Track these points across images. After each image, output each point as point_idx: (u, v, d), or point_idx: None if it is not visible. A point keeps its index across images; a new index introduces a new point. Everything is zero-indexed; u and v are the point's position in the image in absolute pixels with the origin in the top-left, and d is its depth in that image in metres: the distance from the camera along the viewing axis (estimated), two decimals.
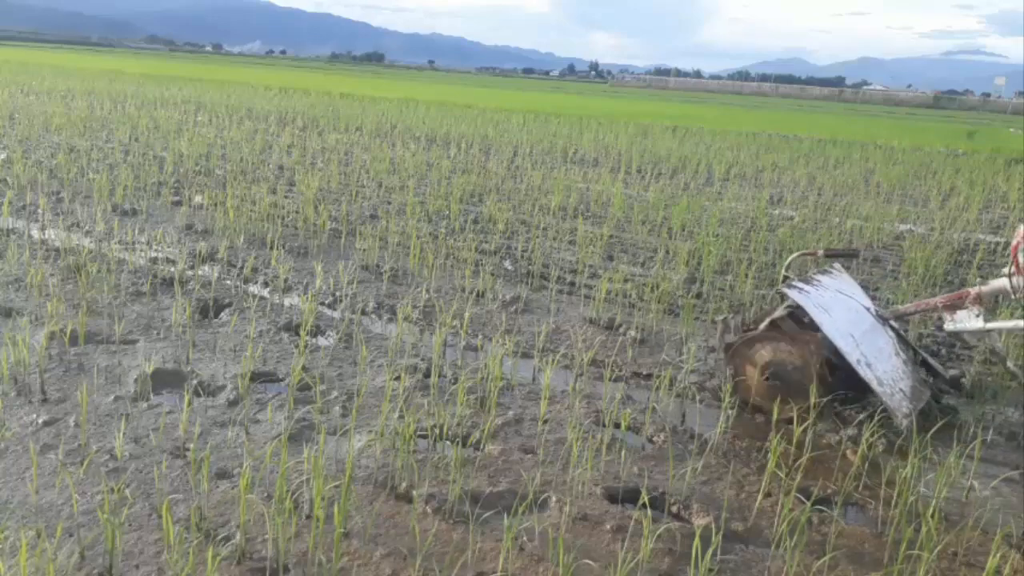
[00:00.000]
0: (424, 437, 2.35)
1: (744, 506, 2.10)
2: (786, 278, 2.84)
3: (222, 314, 3.35)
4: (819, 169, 10.07)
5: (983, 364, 3.25)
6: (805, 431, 2.39)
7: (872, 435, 2.47)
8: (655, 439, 2.47)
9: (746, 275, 4.10)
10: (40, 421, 2.29)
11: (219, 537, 1.79)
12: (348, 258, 4.31)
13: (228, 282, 3.73)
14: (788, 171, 9.74)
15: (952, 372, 2.98)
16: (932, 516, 1.90)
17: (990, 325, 2.72)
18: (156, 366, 2.68)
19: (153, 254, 4.14)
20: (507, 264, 4.43)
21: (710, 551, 1.71)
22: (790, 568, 1.79)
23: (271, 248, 4.31)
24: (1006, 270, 2.60)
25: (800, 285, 2.73)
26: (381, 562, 1.77)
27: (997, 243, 5.89)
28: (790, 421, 2.50)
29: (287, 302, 3.51)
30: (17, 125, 9.36)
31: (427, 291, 3.74)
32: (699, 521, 2.01)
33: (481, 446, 2.32)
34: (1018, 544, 1.98)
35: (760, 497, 2.11)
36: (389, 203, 5.99)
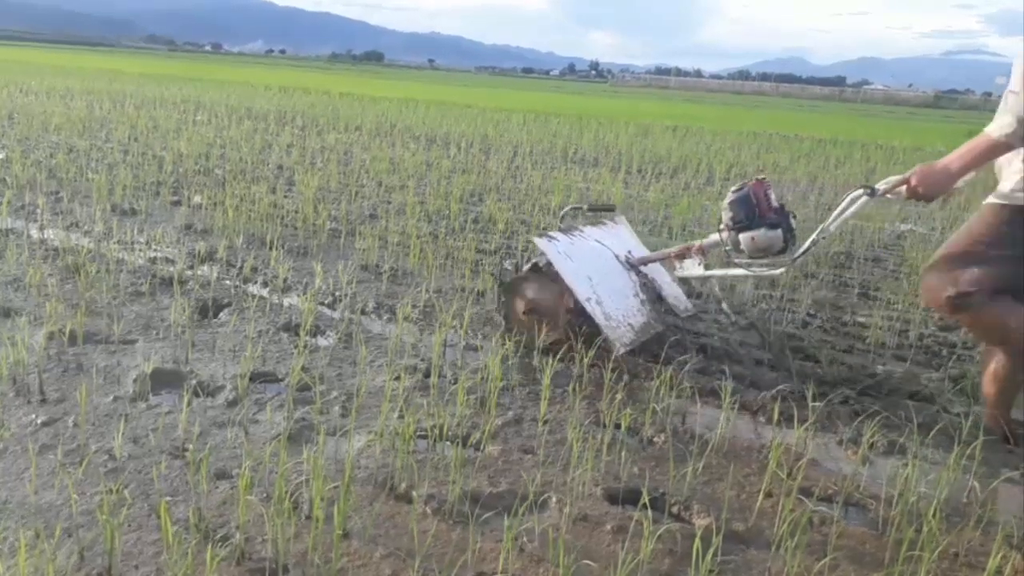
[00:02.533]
0: (424, 437, 2.35)
1: (745, 506, 2.10)
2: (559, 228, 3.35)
3: (221, 314, 3.34)
4: (820, 169, 10.07)
5: (983, 364, 3.24)
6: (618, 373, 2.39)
7: (872, 435, 2.47)
8: (655, 439, 2.46)
9: None
10: (39, 421, 2.28)
11: (218, 537, 1.78)
12: (347, 258, 4.31)
13: (227, 282, 3.73)
14: (789, 171, 9.74)
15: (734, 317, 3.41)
16: (933, 516, 1.89)
17: (708, 272, 3.23)
18: (155, 366, 2.67)
19: (152, 254, 4.14)
20: (507, 264, 4.43)
21: (711, 552, 1.71)
22: (791, 568, 1.79)
23: (270, 248, 4.30)
24: (721, 225, 3.02)
25: (554, 235, 3.19)
26: (381, 562, 1.77)
27: None
28: (549, 350, 2.96)
29: (286, 302, 3.51)
30: (16, 125, 9.36)
31: (427, 291, 3.74)
32: (700, 522, 2.01)
33: (481, 446, 2.32)
34: (1019, 544, 1.98)
35: (761, 497, 2.11)
36: (389, 203, 5.99)
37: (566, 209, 3.62)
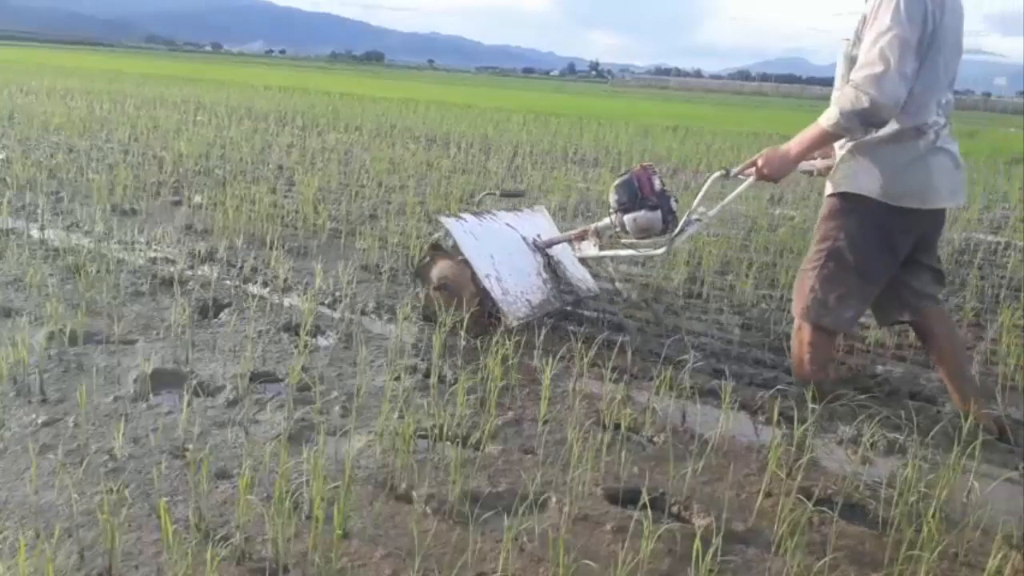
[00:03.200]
0: (424, 437, 2.35)
1: (745, 506, 2.10)
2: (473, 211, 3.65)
3: (221, 314, 3.34)
4: None
5: (983, 364, 3.24)
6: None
7: (872, 435, 2.47)
8: (656, 439, 2.46)
9: (747, 275, 4.10)
10: (39, 421, 2.28)
11: (218, 537, 1.78)
12: (348, 258, 4.31)
13: (227, 282, 3.73)
14: None
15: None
16: (932, 516, 1.89)
17: (602, 253, 3.46)
18: (155, 366, 2.67)
19: (152, 254, 4.14)
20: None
21: (711, 552, 1.71)
22: (791, 568, 1.79)
23: (271, 248, 4.30)
24: (611, 208, 3.27)
25: (464, 216, 3.45)
26: (381, 562, 1.77)
27: (998, 243, 5.89)
28: (455, 327, 3.10)
29: (287, 302, 3.51)
30: (16, 125, 9.37)
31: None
32: (700, 522, 2.01)
33: (481, 446, 2.32)
34: (1019, 544, 1.98)
35: (760, 497, 2.11)
36: (389, 203, 5.99)
37: (481, 195, 3.98)
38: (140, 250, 4.21)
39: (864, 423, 2.58)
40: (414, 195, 6.10)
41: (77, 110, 11.40)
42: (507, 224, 3.56)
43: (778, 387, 2.80)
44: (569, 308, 3.60)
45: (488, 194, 4.02)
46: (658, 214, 3.14)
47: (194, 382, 2.60)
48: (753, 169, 2.79)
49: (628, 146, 11.42)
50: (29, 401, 2.42)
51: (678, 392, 2.73)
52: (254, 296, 3.53)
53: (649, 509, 1.84)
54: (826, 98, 2.68)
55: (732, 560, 1.85)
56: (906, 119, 2.47)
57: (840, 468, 2.36)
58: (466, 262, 3.23)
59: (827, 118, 2.51)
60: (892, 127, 2.49)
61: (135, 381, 2.58)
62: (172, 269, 3.79)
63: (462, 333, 3.09)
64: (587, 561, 1.79)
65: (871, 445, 2.46)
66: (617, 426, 2.44)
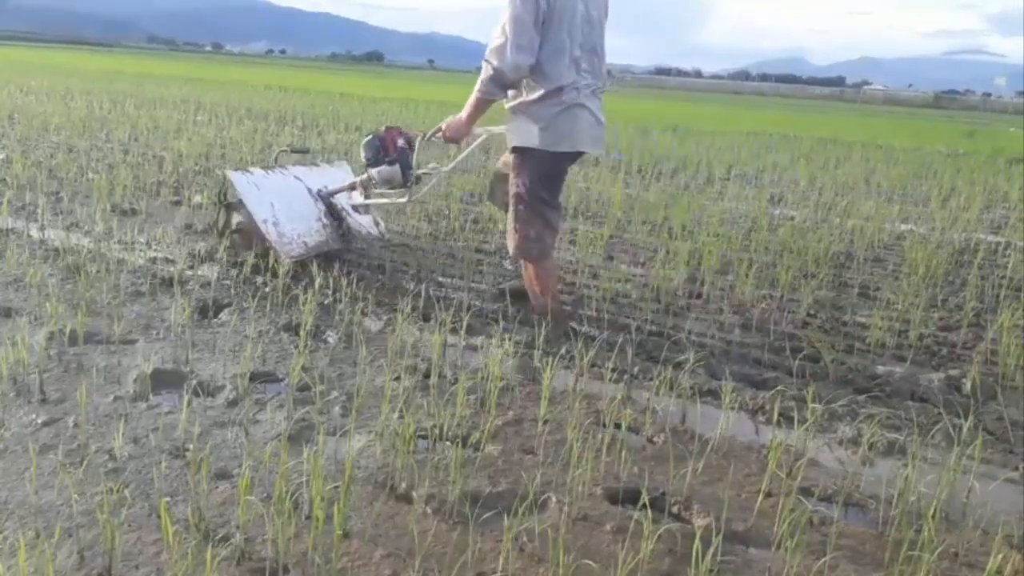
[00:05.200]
0: (424, 437, 2.35)
1: (745, 506, 2.09)
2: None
3: (221, 314, 3.34)
4: (820, 169, 10.07)
5: (983, 364, 3.24)
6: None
7: (872, 435, 2.47)
8: (656, 439, 2.46)
9: (747, 275, 4.10)
10: (39, 421, 2.28)
11: (218, 537, 1.78)
12: (344, 258, 4.30)
13: (228, 282, 3.73)
14: (789, 171, 9.74)
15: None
16: (932, 516, 1.89)
17: (364, 201, 3.99)
18: (155, 366, 2.67)
19: (152, 254, 4.14)
20: (507, 264, 4.43)
21: (711, 551, 1.71)
22: (791, 568, 1.79)
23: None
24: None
25: (251, 170, 3.93)
26: (381, 563, 1.77)
27: (998, 243, 5.89)
28: (258, 268, 3.68)
29: (286, 302, 3.50)
30: (16, 125, 9.36)
31: (428, 290, 3.74)
32: (700, 521, 2.01)
33: (481, 446, 2.32)
34: (1019, 544, 1.98)
35: (761, 497, 2.11)
36: None
37: (278, 151, 4.48)
38: (140, 250, 4.21)
39: (864, 423, 2.58)
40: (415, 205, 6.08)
41: (77, 110, 11.40)
42: (295, 177, 4.08)
43: (778, 387, 2.81)
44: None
45: (282, 151, 4.54)
46: (397, 168, 3.67)
47: (194, 382, 2.60)
48: (441, 134, 3.40)
49: (628, 146, 11.41)
50: (29, 401, 2.42)
51: (678, 392, 2.73)
52: (254, 296, 3.53)
53: (649, 509, 1.84)
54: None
55: (732, 560, 1.85)
56: (546, 83, 3.07)
57: (840, 468, 2.36)
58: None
59: (476, 88, 3.15)
60: (539, 91, 3.09)
61: (135, 381, 2.58)
62: (172, 269, 3.79)
63: (461, 333, 3.09)
64: (587, 561, 1.79)
65: (871, 445, 2.46)
66: (617, 426, 2.44)
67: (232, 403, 2.49)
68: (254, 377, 2.68)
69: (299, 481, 2.01)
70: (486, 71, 3.08)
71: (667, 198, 6.62)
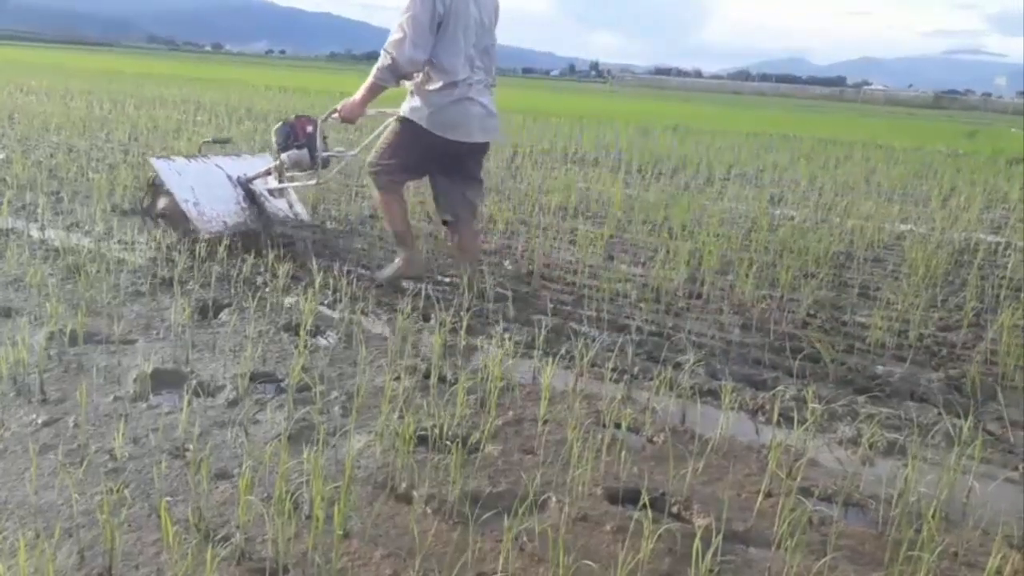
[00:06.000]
0: (424, 437, 2.35)
1: (745, 506, 2.10)
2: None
3: (221, 314, 3.34)
4: (820, 169, 10.07)
5: (983, 364, 3.25)
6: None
7: (872, 435, 2.47)
8: (655, 439, 2.46)
9: (747, 275, 4.10)
10: (39, 421, 2.29)
11: (218, 537, 1.79)
12: (344, 259, 4.31)
13: (227, 282, 3.72)
14: (789, 171, 9.74)
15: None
16: (932, 516, 1.89)
17: (279, 185, 4.38)
18: (155, 366, 2.67)
19: (152, 254, 4.14)
20: (507, 263, 4.43)
21: (711, 551, 1.71)
22: (791, 568, 1.79)
23: (272, 248, 4.30)
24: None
25: (174, 158, 4.39)
26: (381, 563, 1.77)
27: (998, 243, 5.89)
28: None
29: (287, 302, 3.51)
30: (16, 125, 9.36)
31: (428, 290, 3.74)
32: (700, 521, 2.01)
33: (481, 446, 2.32)
34: (1019, 544, 1.98)
35: (761, 497, 2.11)
36: None
37: (203, 142, 5.05)
38: (140, 250, 4.21)
39: (864, 423, 2.58)
40: (413, 195, 6.09)
41: (77, 110, 11.40)
42: (216, 165, 4.45)
43: (778, 387, 2.81)
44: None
45: (205, 142, 5.06)
46: (305, 152, 4.00)
47: (194, 382, 2.60)
48: (336, 115, 3.83)
49: (628, 146, 11.41)
50: (29, 401, 2.42)
51: (678, 392, 2.73)
52: (254, 296, 3.53)
53: (649, 509, 1.84)
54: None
55: (732, 560, 1.85)
56: (444, 76, 3.49)
57: (840, 468, 2.36)
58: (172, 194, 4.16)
59: (371, 74, 3.59)
60: (437, 83, 3.50)
61: (135, 381, 2.58)
62: (172, 269, 3.78)
63: (461, 333, 3.09)
64: (587, 561, 1.79)
65: (871, 445, 2.46)
66: (617, 426, 2.44)
67: (232, 403, 2.49)
68: (254, 377, 2.68)
69: (299, 481, 2.01)
70: (384, 60, 3.49)
71: (667, 198, 6.62)
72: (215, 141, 5.43)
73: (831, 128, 20.22)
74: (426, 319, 3.41)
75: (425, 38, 3.41)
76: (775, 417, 2.61)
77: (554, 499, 2.06)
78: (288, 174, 4.24)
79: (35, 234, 4.39)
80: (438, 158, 3.73)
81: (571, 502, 2.03)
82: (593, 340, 3.16)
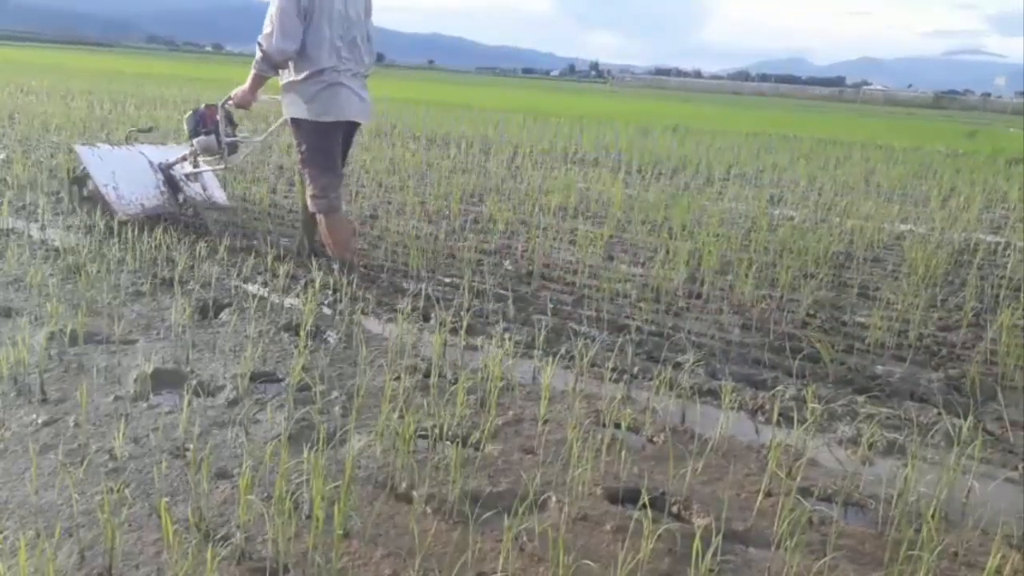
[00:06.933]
0: (424, 437, 2.35)
1: (745, 506, 2.10)
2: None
3: (222, 314, 3.34)
4: (819, 169, 10.07)
5: (983, 364, 3.25)
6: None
7: (872, 435, 2.47)
8: (655, 439, 2.46)
9: (746, 275, 4.10)
10: (40, 421, 2.29)
11: (219, 537, 1.79)
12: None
13: (227, 282, 3.73)
14: (788, 171, 9.74)
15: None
16: (932, 516, 1.89)
17: (193, 170, 4.68)
18: (156, 366, 2.68)
19: (153, 254, 4.14)
20: (507, 263, 4.43)
21: (710, 551, 1.71)
22: (791, 568, 1.79)
23: (271, 247, 4.30)
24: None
25: (98, 145, 4.74)
26: (381, 562, 1.77)
27: (998, 243, 5.89)
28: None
29: (286, 302, 3.51)
30: (17, 125, 9.36)
31: (428, 290, 3.74)
32: (699, 521, 2.01)
33: (481, 446, 2.32)
34: (1019, 544, 1.98)
35: (760, 497, 2.11)
36: (389, 203, 5.99)
37: (129, 131, 5.52)
38: (140, 250, 4.21)
39: (864, 423, 2.58)
40: (414, 195, 6.10)
41: (77, 110, 11.40)
42: (140, 152, 4.80)
43: (778, 387, 2.81)
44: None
45: (131, 131, 5.54)
46: (212, 138, 4.25)
47: (194, 382, 2.60)
48: (231, 102, 4.05)
49: (628, 146, 11.41)
50: (29, 401, 2.42)
51: (678, 392, 2.73)
52: (254, 296, 3.53)
53: (649, 509, 1.84)
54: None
55: (732, 560, 1.85)
56: (310, 65, 3.70)
57: (840, 468, 2.36)
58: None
59: (253, 65, 3.79)
60: (305, 72, 3.71)
61: (135, 381, 2.58)
62: (172, 269, 3.79)
63: (461, 333, 3.09)
64: (587, 561, 1.79)
65: (871, 445, 2.46)
66: (617, 426, 2.44)
67: (232, 403, 2.49)
68: (254, 377, 2.68)
69: (299, 481, 2.01)
70: (258, 53, 3.73)
71: (667, 198, 6.62)
72: (140, 130, 5.97)
73: (831, 128, 20.22)
74: (426, 319, 3.41)
75: (293, 29, 3.63)
76: (775, 417, 2.61)
77: (554, 499, 2.06)
78: (199, 159, 4.56)
79: (35, 234, 4.40)
80: (337, 139, 3.93)
81: (571, 502, 2.03)
82: (593, 340, 3.16)
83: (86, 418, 2.31)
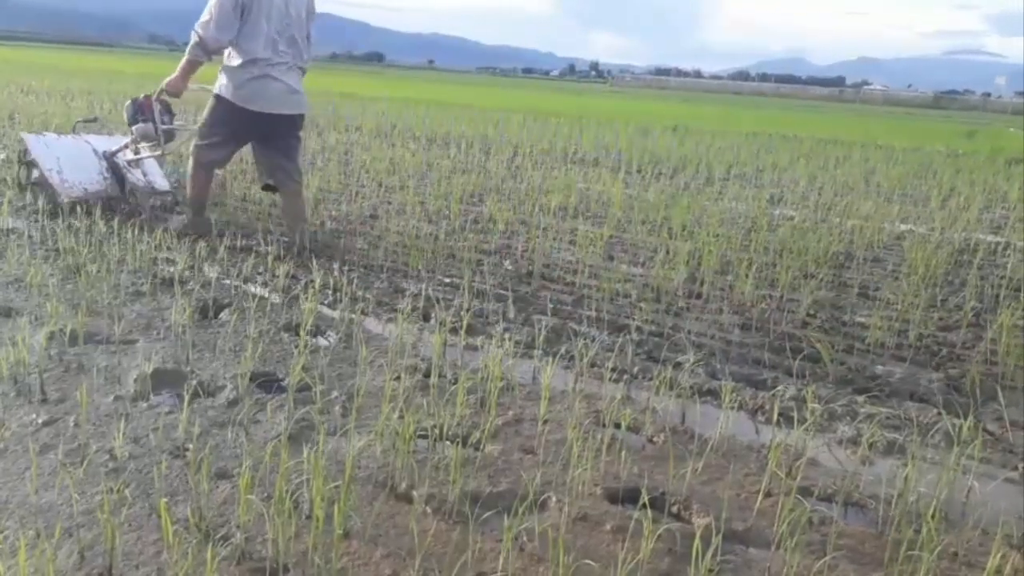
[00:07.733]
0: (424, 437, 2.35)
1: (744, 506, 2.10)
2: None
3: (222, 314, 3.34)
4: (819, 169, 10.07)
5: (983, 364, 3.25)
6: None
7: (872, 435, 2.47)
8: (655, 439, 2.46)
9: (746, 275, 4.10)
10: (39, 421, 2.29)
11: (218, 537, 1.79)
12: (343, 259, 4.31)
13: (227, 282, 3.73)
14: (788, 171, 9.74)
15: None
16: (932, 516, 1.89)
17: (134, 157, 5.00)
18: (156, 366, 2.67)
19: (153, 254, 4.13)
20: (507, 263, 4.43)
21: (710, 551, 1.71)
22: (790, 568, 1.79)
23: (270, 247, 4.30)
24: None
25: (45, 133, 5.18)
26: (381, 562, 1.77)
27: (998, 243, 5.89)
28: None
29: (287, 302, 3.51)
30: (17, 125, 9.36)
31: (428, 290, 3.74)
32: (699, 521, 2.01)
33: (481, 446, 2.32)
34: (1019, 544, 1.98)
35: (760, 497, 2.11)
36: (389, 203, 5.99)
37: (76, 122, 5.75)
38: (140, 250, 4.21)
39: (864, 423, 2.58)
40: (414, 195, 6.10)
41: (77, 110, 11.39)
42: (85, 140, 5.17)
43: (778, 387, 2.81)
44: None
45: (79, 121, 5.78)
46: (150, 125, 4.57)
47: (194, 382, 2.60)
48: (163, 90, 4.35)
49: (628, 146, 11.41)
50: (29, 401, 2.42)
51: (678, 392, 2.73)
52: (254, 296, 3.53)
53: (649, 509, 1.84)
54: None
55: (732, 560, 1.85)
56: (244, 55, 4.05)
57: (840, 468, 2.36)
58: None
59: (187, 51, 4.15)
60: (239, 60, 4.07)
61: (135, 381, 2.58)
62: (172, 269, 3.79)
63: (461, 333, 3.09)
64: (587, 561, 1.79)
65: (871, 445, 2.46)
66: (617, 426, 2.44)
67: (232, 403, 2.49)
68: (254, 377, 2.68)
69: (299, 481, 2.01)
70: (194, 39, 4.06)
71: (667, 198, 6.62)
72: (84, 121, 6.16)
73: (830, 128, 20.22)
74: (426, 319, 3.41)
75: (228, 21, 3.97)
76: (775, 417, 2.61)
77: (554, 499, 2.06)
78: (140, 146, 4.84)
79: (35, 234, 4.39)
80: (251, 129, 4.28)
81: (571, 502, 2.03)
82: (593, 340, 3.16)
83: (86, 418, 2.31)
